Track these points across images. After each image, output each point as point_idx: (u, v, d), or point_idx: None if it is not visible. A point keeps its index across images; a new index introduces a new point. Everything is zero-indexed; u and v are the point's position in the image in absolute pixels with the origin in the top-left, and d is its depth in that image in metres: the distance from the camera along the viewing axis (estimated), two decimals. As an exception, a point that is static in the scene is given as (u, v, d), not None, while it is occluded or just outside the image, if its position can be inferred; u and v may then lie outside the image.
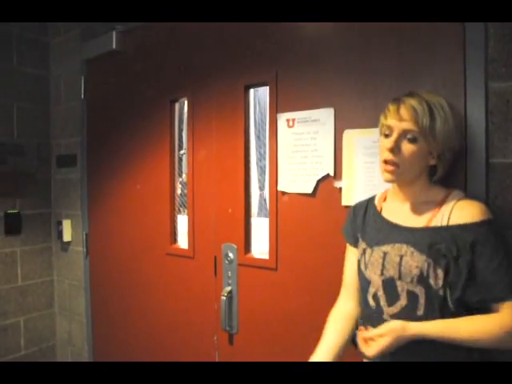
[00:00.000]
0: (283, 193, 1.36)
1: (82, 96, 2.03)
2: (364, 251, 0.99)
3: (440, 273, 0.84)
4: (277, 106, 1.37)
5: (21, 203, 2.07)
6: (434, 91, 1.08)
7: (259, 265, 1.43)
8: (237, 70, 1.47)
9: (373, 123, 1.17)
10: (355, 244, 1.05)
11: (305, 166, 1.31)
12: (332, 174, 1.25)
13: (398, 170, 0.89)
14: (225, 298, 1.47)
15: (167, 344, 1.71)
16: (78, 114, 2.06)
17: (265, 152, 1.64)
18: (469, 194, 1.02)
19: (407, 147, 0.88)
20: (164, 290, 1.72)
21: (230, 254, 1.49)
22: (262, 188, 3.14)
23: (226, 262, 1.50)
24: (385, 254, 0.92)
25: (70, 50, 2.08)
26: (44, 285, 2.19)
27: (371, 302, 0.95)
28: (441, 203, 0.90)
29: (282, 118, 1.35)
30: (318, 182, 1.28)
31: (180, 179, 1.84)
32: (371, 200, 1.06)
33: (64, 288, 2.19)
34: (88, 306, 2.06)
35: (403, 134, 0.88)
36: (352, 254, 1.07)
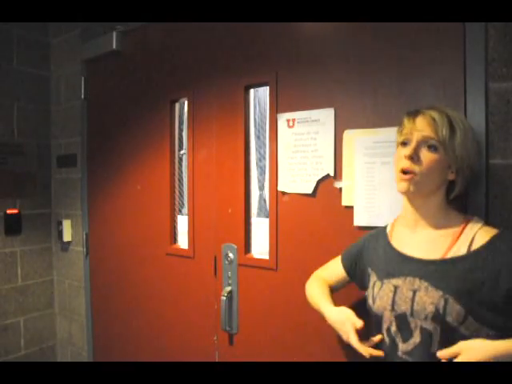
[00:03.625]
0: (283, 193, 1.36)
1: (82, 96, 2.03)
2: (373, 285, 0.94)
3: (459, 309, 0.78)
4: (277, 106, 1.37)
5: (21, 203, 2.07)
6: (433, 89, 1.08)
7: (259, 265, 1.43)
8: (237, 70, 1.47)
9: (373, 123, 1.17)
10: (346, 269, 1.07)
11: (305, 166, 1.31)
12: (332, 174, 1.25)
13: (415, 178, 0.83)
14: (225, 298, 1.47)
15: (167, 344, 1.71)
16: (77, 114, 2.06)
17: (265, 152, 1.64)
18: (469, 194, 1.03)
19: (427, 155, 0.83)
20: (164, 289, 1.72)
21: (230, 254, 1.49)
22: (261, 188, 3.14)
23: (226, 262, 1.50)
24: (396, 288, 0.87)
25: (70, 50, 2.08)
26: (44, 285, 2.19)
27: (386, 338, 0.90)
28: (459, 232, 0.84)
29: (282, 118, 1.35)
30: (318, 182, 1.28)
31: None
32: (383, 230, 1.01)
33: (64, 288, 2.19)
34: (88, 306, 2.06)
35: (423, 142, 0.84)
36: (338, 267, 1.09)
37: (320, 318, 1.05)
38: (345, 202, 1.22)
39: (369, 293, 0.96)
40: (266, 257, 1.41)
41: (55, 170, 2.19)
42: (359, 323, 0.90)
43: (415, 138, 0.84)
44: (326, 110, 1.26)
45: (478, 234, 0.83)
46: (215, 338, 1.55)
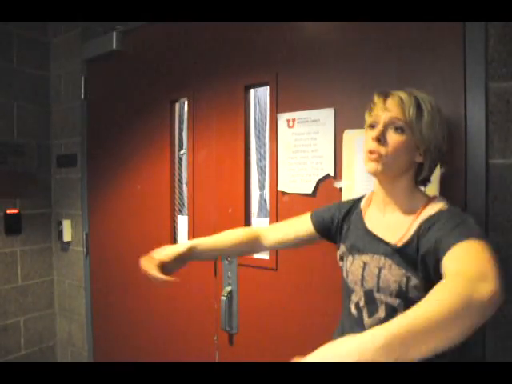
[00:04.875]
0: (283, 193, 1.36)
1: (82, 96, 2.03)
2: (346, 258, 0.97)
3: (421, 286, 0.80)
4: (277, 106, 1.37)
5: (21, 203, 2.06)
6: (433, 89, 1.08)
7: (259, 265, 1.43)
8: (237, 70, 1.47)
9: (373, 123, 1.17)
10: (316, 226, 1.06)
11: (305, 166, 1.31)
12: (332, 174, 1.25)
13: (382, 159, 0.84)
14: (225, 298, 1.47)
15: (167, 344, 1.71)
16: (77, 114, 2.06)
17: (265, 152, 1.64)
18: (469, 194, 1.03)
19: (394, 137, 0.83)
20: (164, 289, 1.72)
21: (230, 254, 1.49)
22: (261, 188, 3.13)
23: (226, 262, 1.50)
24: (365, 264, 0.90)
25: (70, 49, 2.08)
26: (44, 285, 2.19)
27: (353, 311, 0.93)
28: (419, 213, 0.86)
29: (282, 118, 1.35)
30: (318, 182, 1.28)
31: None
32: (357, 202, 1.02)
33: (64, 288, 2.19)
34: (88, 306, 2.06)
35: (390, 124, 0.84)
36: (306, 221, 1.07)
37: (320, 317, 1.05)
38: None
39: (343, 266, 0.98)
40: (266, 257, 1.41)
41: (55, 170, 2.19)
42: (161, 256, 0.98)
43: (382, 119, 0.84)
44: (326, 110, 1.26)
45: (433, 209, 0.84)
46: (215, 338, 1.55)
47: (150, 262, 0.97)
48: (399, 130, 0.83)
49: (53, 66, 2.18)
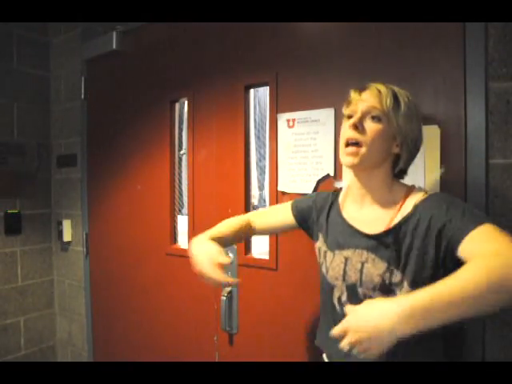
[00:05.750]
0: (283, 193, 1.36)
1: (82, 96, 2.03)
2: (325, 254, 0.96)
3: (405, 280, 0.81)
4: (277, 106, 1.37)
5: (21, 203, 2.07)
6: (433, 89, 1.08)
7: (259, 265, 1.43)
8: (237, 70, 1.47)
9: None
10: (295, 216, 1.07)
11: (305, 166, 1.31)
12: (332, 174, 1.25)
13: (361, 150, 0.83)
14: (225, 298, 1.47)
15: (167, 344, 1.71)
16: (77, 114, 2.06)
17: (265, 152, 1.64)
18: (469, 194, 1.03)
19: (371, 125, 0.83)
20: (164, 290, 1.72)
21: (230, 254, 1.49)
22: (261, 188, 3.14)
23: (226, 262, 1.50)
24: (346, 259, 0.90)
25: (70, 50, 2.08)
26: (44, 285, 2.19)
27: (337, 306, 0.93)
28: (401, 204, 0.86)
29: (282, 118, 1.35)
30: (318, 182, 1.28)
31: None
32: (336, 196, 1.01)
33: (64, 288, 2.19)
34: (88, 306, 2.06)
35: (367, 113, 0.84)
36: (287, 210, 1.09)
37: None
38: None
39: (322, 262, 0.98)
40: (266, 257, 1.41)
41: (55, 170, 2.19)
42: (222, 259, 0.94)
43: (360, 108, 0.85)
44: (326, 110, 1.26)
45: (420, 202, 0.84)
46: (215, 338, 1.55)
47: (212, 265, 0.94)
48: (376, 118, 0.84)
49: (53, 66, 2.18)
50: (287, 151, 1.35)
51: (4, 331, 2.02)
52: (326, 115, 1.26)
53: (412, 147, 0.88)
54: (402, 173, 0.92)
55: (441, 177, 1.07)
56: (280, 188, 1.37)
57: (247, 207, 1.47)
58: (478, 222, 0.74)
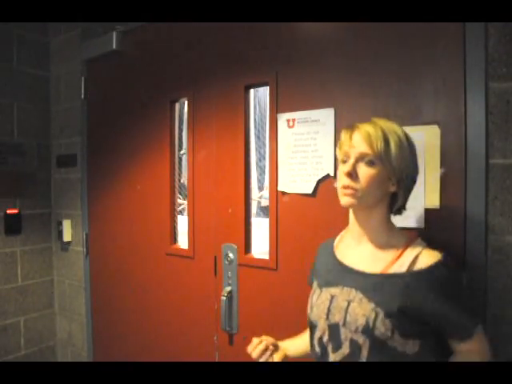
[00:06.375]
0: (283, 193, 1.36)
1: (82, 96, 2.03)
2: (313, 292, 0.96)
3: (388, 324, 0.80)
4: (277, 106, 1.37)
5: (21, 203, 2.06)
6: (433, 89, 1.08)
7: (259, 265, 1.43)
8: (237, 70, 1.47)
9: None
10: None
11: (305, 166, 1.31)
12: (332, 174, 1.25)
13: (356, 194, 0.84)
14: (225, 297, 1.47)
15: (167, 344, 1.71)
16: (77, 114, 2.06)
17: (265, 152, 1.64)
18: (469, 194, 1.03)
19: (365, 171, 0.84)
20: (164, 289, 1.72)
21: (230, 254, 1.49)
22: (261, 188, 3.14)
23: (226, 262, 1.50)
24: (332, 297, 0.89)
25: (70, 50, 2.08)
26: (44, 285, 2.19)
27: (316, 348, 0.92)
28: (402, 250, 0.85)
29: (282, 118, 1.35)
30: (318, 182, 1.28)
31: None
32: (332, 240, 1.02)
33: (64, 288, 2.19)
34: (88, 306, 2.06)
35: (360, 159, 0.84)
36: None
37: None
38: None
39: (309, 300, 0.97)
40: (266, 257, 1.41)
41: (55, 169, 2.19)
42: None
43: (353, 155, 0.85)
44: (326, 109, 1.26)
45: (421, 255, 0.84)
46: (215, 338, 1.55)
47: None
48: (370, 163, 0.84)
49: (53, 66, 2.18)
50: (287, 151, 1.35)
51: (4, 331, 2.02)
52: (326, 115, 1.26)
53: (409, 183, 0.88)
54: (401, 208, 0.92)
55: (441, 177, 1.07)
56: (280, 188, 1.37)
57: (247, 207, 1.47)
58: (471, 330, 0.83)
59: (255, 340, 0.98)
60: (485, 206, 1.01)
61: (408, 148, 0.86)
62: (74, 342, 2.17)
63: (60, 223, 2.11)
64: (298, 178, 1.32)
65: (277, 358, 0.97)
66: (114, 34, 1.80)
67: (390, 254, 0.86)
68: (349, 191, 0.84)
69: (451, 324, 0.82)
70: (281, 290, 1.38)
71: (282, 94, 1.36)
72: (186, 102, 1.66)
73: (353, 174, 0.84)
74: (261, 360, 0.96)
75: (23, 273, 2.09)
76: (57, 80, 2.16)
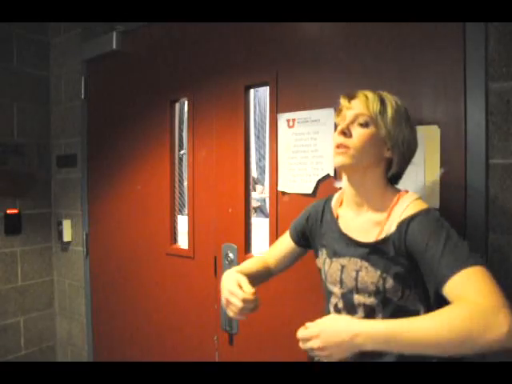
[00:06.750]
0: (283, 193, 1.36)
1: (82, 96, 2.03)
2: (324, 261, 0.97)
3: (396, 285, 0.82)
4: (277, 106, 1.37)
5: (21, 203, 2.07)
6: (433, 89, 1.08)
7: (259, 265, 1.43)
8: (237, 70, 1.47)
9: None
10: (296, 241, 1.08)
11: (305, 166, 1.31)
12: (332, 174, 1.25)
13: (349, 152, 0.84)
14: (225, 298, 1.46)
15: (167, 344, 1.71)
16: (77, 114, 2.06)
17: (265, 152, 1.64)
18: (469, 194, 1.03)
19: (358, 131, 0.85)
20: (164, 290, 1.72)
21: (230, 254, 1.49)
22: (257, 183, 3.14)
23: (226, 262, 1.50)
24: (342, 266, 0.91)
25: (70, 50, 2.08)
26: (44, 285, 2.19)
27: (333, 313, 0.93)
28: (390, 210, 0.86)
29: (282, 119, 1.35)
30: (318, 182, 1.28)
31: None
32: (328, 202, 1.02)
33: (64, 288, 2.19)
34: (88, 306, 2.06)
35: (354, 120, 0.86)
36: (287, 241, 1.09)
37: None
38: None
39: (321, 268, 0.99)
40: (266, 257, 1.41)
41: (55, 169, 2.19)
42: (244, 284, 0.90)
43: (348, 115, 0.87)
44: (326, 109, 1.26)
45: (407, 209, 0.84)
46: (215, 338, 1.55)
47: (235, 284, 0.92)
48: (364, 124, 0.85)
49: (53, 66, 2.18)
50: (287, 151, 1.35)
51: (4, 331, 2.02)
52: (326, 115, 1.26)
53: (405, 150, 0.87)
54: (397, 178, 0.92)
55: (441, 177, 1.07)
56: (280, 188, 1.37)
57: (247, 207, 1.47)
58: (463, 262, 0.73)
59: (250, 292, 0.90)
60: (485, 206, 1.01)
61: (405, 116, 0.87)
62: (74, 342, 2.17)
63: (60, 223, 2.11)
64: (298, 178, 1.33)
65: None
66: (114, 34, 1.80)
67: (382, 217, 0.87)
68: (342, 150, 0.86)
69: (446, 261, 0.75)
70: (281, 289, 1.37)
71: (282, 93, 1.36)
72: (186, 102, 1.66)
73: (346, 133, 0.86)
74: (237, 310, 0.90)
75: (23, 273, 2.09)
76: (57, 80, 2.17)
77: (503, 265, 1.00)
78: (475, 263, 0.73)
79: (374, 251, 0.86)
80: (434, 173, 1.07)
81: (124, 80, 1.86)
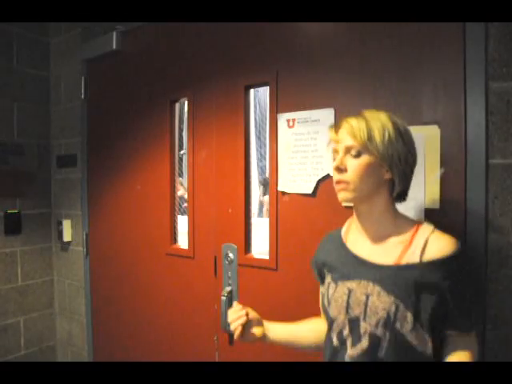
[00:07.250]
0: (283, 193, 1.36)
1: (82, 96, 2.03)
2: (328, 285, 0.94)
3: (409, 316, 0.80)
4: (277, 106, 1.37)
5: (21, 203, 2.06)
6: (433, 89, 1.08)
7: (259, 265, 1.43)
8: (237, 70, 1.47)
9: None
10: (319, 279, 1.03)
11: (305, 166, 1.31)
12: (332, 174, 1.25)
13: (349, 186, 0.84)
14: (225, 298, 1.47)
15: (167, 344, 1.71)
16: (77, 114, 2.06)
17: (265, 152, 1.63)
18: (469, 194, 1.03)
19: (353, 163, 0.84)
20: (164, 290, 1.72)
21: (230, 254, 1.49)
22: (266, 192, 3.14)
23: (226, 262, 1.50)
24: (350, 290, 0.87)
25: (70, 50, 2.08)
26: (44, 285, 2.19)
27: (335, 342, 0.90)
28: (411, 237, 0.85)
29: (283, 119, 1.35)
30: (318, 182, 1.28)
31: (180, 179, 1.84)
32: (338, 231, 1.00)
33: (64, 288, 2.19)
34: (88, 306, 2.06)
35: (347, 152, 0.85)
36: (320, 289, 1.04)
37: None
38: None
39: (324, 293, 0.96)
40: (266, 257, 1.41)
41: (55, 169, 2.19)
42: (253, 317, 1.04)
43: (340, 149, 0.87)
44: (326, 109, 1.26)
45: (430, 240, 0.83)
46: (215, 338, 1.55)
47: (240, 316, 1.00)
48: (356, 155, 0.84)
49: (53, 66, 2.18)
50: (287, 151, 1.35)
51: (4, 331, 2.02)
52: (326, 115, 1.26)
53: (403, 166, 0.86)
54: (403, 195, 0.91)
55: (441, 177, 1.07)
56: (280, 188, 1.37)
57: (247, 207, 1.47)
58: (468, 329, 0.85)
59: (237, 305, 1.02)
60: (485, 206, 1.01)
61: (394, 132, 0.84)
62: (74, 342, 2.17)
63: (60, 223, 2.11)
64: (298, 178, 1.32)
65: (256, 331, 1.02)
66: (114, 34, 1.80)
67: (401, 243, 0.86)
68: (341, 186, 0.86)
69: (459, 315, 0.82)
70: (281, 289, 1.38)
71: (282, 93, 1.36)
72: (186, 102, 1.66)
73: (341, 168, 0.85)
74: (231, 324, 1.01)
75: (23, 273, 2.09)
76: (57, 80, 2.16)
77: (503, 265, 1.00)
78: (476, 330, 0.86)
79: (390, 274, 0.83)
80: (434, 173, 1.07)
81: (124, 80, 1.86)
